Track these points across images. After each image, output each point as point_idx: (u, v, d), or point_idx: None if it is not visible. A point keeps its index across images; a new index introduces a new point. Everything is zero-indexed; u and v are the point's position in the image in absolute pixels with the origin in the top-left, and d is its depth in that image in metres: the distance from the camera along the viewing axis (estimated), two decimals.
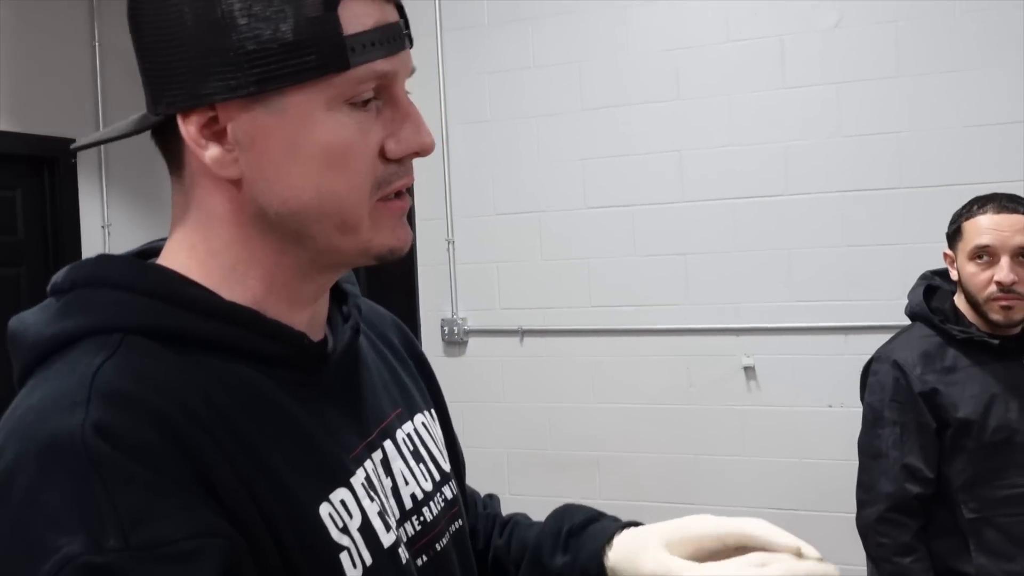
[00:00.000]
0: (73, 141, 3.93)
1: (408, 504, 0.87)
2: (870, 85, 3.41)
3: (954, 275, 2.19)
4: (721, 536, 0.92)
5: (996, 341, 2.10)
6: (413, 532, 0.86)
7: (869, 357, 2.30)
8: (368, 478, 0.81)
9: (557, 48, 3.83)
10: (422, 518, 0.88)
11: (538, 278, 3.89)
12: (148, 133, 0.80)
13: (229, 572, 0.64)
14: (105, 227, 4.12)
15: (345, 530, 0.75)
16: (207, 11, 0.71)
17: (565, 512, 1.08)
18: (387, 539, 0.79)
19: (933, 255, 2.50)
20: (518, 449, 3.92)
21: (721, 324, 3.63)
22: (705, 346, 3.66)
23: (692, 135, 3.64)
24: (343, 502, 0.76)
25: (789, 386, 3.55)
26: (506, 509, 1.18)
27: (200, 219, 0.78)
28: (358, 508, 0.77)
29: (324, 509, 0.74)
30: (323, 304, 0.86)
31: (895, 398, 2.13)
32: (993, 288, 2.06)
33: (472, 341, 4.01)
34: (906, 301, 2.30)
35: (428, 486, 0.91)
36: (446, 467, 0.97)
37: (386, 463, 0.86)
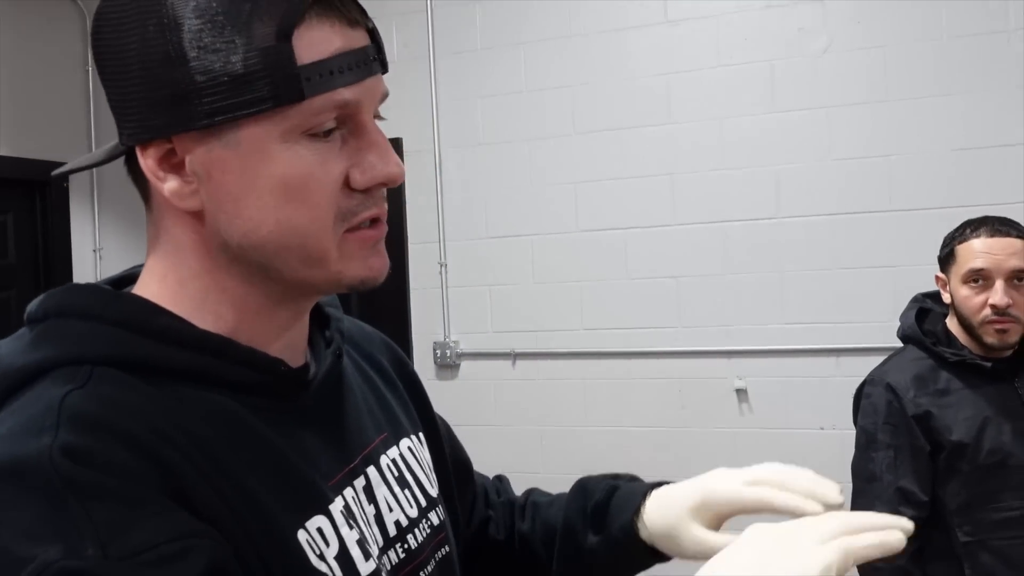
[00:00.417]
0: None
1: (392, 531, 0.86)
2: (860, 109, 3.43)
3: (946, 298, 2.20)
4: (743, 506, 0.93)
5: (989, 364, 2.10)
6: (397, 560, 0.85)
7: (861, 380, 2.30)
8: (347, 507, 0.80)
9: (550, 72, 3.85)
10: (406, 545, 0.87)
11: (530, 301, 3.90)
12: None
13: (216, 571, 0.63)
14: (96, 251, 4.11)
15: (322, 557, 0.73)
16: (158, 44, 0.69)
17: (585, 487, 1.08)
18: (365, 568, 0.77)
19: (924, 278, 2.51)
20: (510, 472, 3.84)
21: (713, 347, 3.64)
22: (697, 369, 3.66)
23: (684, 159, 3.66)
24: (320, 529, 0.74)
25: (781, 408, 3.55)
26: None
27: (169, 249, 0.77)
28: (335, 536, 0.76)
29: (302, 536, 0.73)
30: (301, 329, 0.84)
31: (889, 421, 2.13)
32: (988, 311, 2.07)
33: (464, 364, 4.01)
34: (897, 324, 2.31)
35: (413, 512, 0.89)
36: (433, 492, 0.95)
37: (369, 490, 0.85)
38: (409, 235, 3.99)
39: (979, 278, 2.09)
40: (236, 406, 0.74)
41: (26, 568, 0.58)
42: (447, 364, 4.00)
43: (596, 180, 3.78)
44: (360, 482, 0.84)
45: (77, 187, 4.04)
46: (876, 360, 2.34)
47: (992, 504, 2.04)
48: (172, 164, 0.73)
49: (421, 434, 1.00)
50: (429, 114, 3.97)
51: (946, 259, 2.19)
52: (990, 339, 2.09)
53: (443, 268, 4.01)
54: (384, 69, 0.77)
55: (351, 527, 0.78)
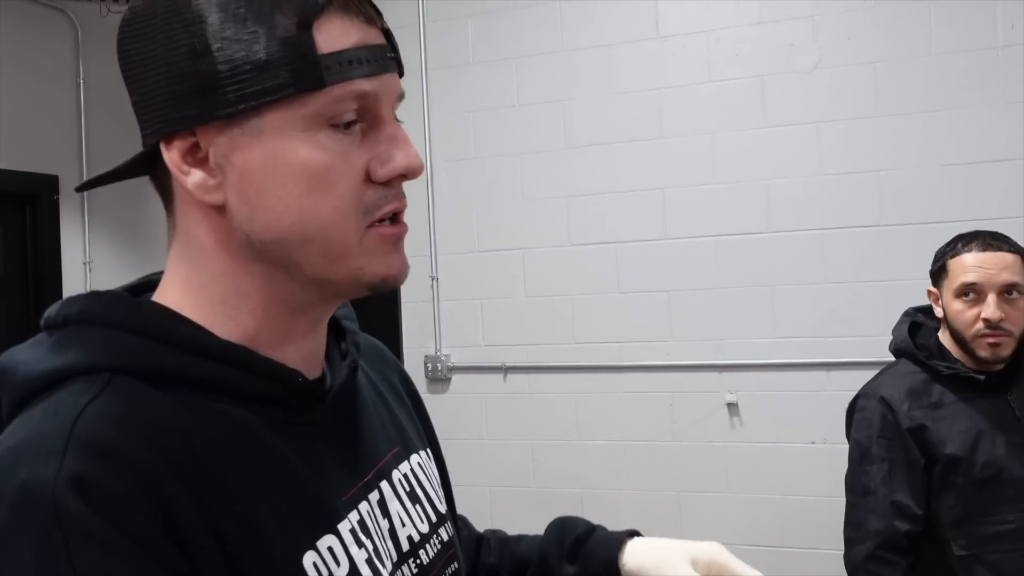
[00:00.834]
0: (56, 178, 3.94)
1: (405, 546, 0.86)
2: (850, 124, 3.45)
3: (939, 312, 2.21)
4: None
5: (982, 377, 2.11)
6: (410, 575, 0.85)
7: (852, 394, 2.30)
8: (362, 521, 0.80)
9: (541, 87, 3.86)
10: (419, 560, 0.87)
11: (522, 315, 3.89)
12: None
13: None
14: (87, 263, 4.09)
15: None
16: (183, 39, 0.71)
17: (563, 524, 1.08)
18: None
19: (915, 292, 2.52)
20: (501, 486, 3.90)
21: (704, 360, 3.64)
22: (688, 383, 3.67)
23: (675, 173, 3.67)
24: (330, 549, 0.74)
25: (772, 422, 3.55)
26: None
27: (191, 251, 0.77)
28: (346, 556, 0.75)
29: (309, 558, 0.72)
30: (320, 340, 0.84)
31: (883, 434, 2.13)
32: (980, 325, 2.08)
33: (456, 378, 4.00)
34: (888, 338, 2.32)
35: (424, 528, 0.90)
36: (442, 508, 0.95)
37: (383, 504, 0.85)
38: None
39: (971, 292, 2.10)
40: (253, 419, 0.74)
41: None
42: (438, 378, 4.00)
43: (588, 194, 3.79)
44: (375, 496, 0.84)
45: (67, 199, 4.02)
46: (867, 374, 2.34)
47: (987, 517, 2.04)
48: (196, 158, 0.74)
49: (428, 450, 1.01)
50: (421, 128, 3.97)
51: (938, 273, 2.20)
52: (983, 353, 2.09)
53: (434, 281, 4.01)
54: (400, 70, 0.79)
55: (360, 546, 0.77)
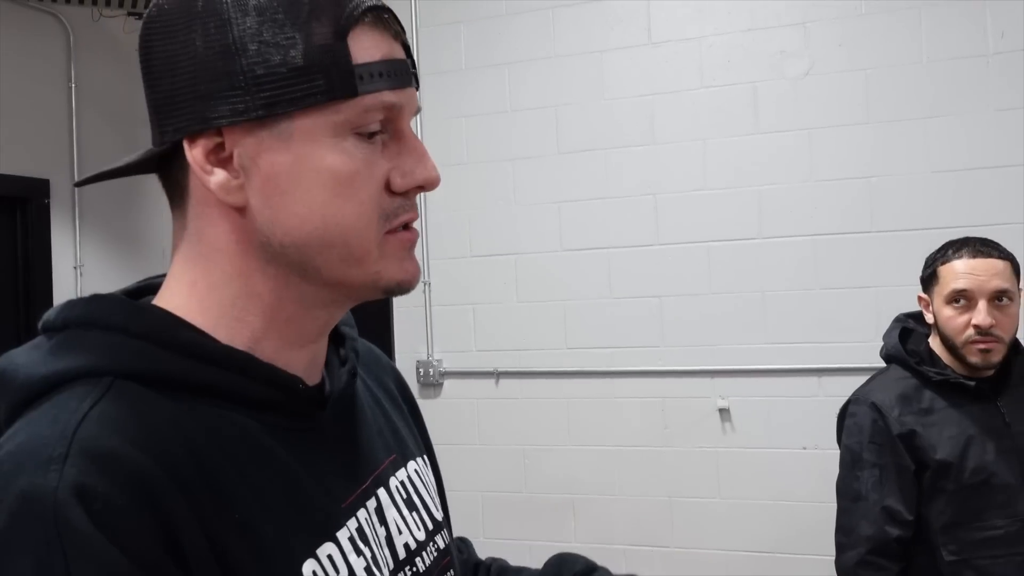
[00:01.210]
0: (47, 182, 3.93)
1: (401, 554, 0.86)
2: (841, 131, 3.47)
3: (929, 318, 2.21)
4: None
5: (972, 383, 2.11)
6: None
7: (843, 400, 2.30)
8: (360, 528, 0.80)
9: (534, 92, 3.87)
10: (415, 568, 0.87)
11: (514, 320, 3.90)
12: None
13: None
14: (77, 268, 4.08)
15: None
16: (218, 37, 0.71)
17: (563, 560, 1.08)
18: None
19: (905, 298, 2.53)
20: (493, 491, 3.90)
21: (696, 366, 3.65)
22: (680, 388, 3.67)
23: (667, 179, 3.68)
24: (330, 557, 0.74)
25: (764, 428, 3.56)
26: (481, 552, 1.17)
27: (202, 252, 0.77)
28: (344, 564, 0.75)
29: (308, 567, 0.72)
30: (322, 346, 0.84)
31: (874, 440, 2.13)
32: (971, 332, 2.09)
33: (448, 383, 4.00)
34: (880, 343, 2.32)
35: (421, 535, 0.90)
36: (439, 515, 0.95)
37: (380, 511, 0.85)
38: None
39: (962, 298, 2.11)
40: (254, 425, 0.74)
41: None
42: (430, 383, 3.99)
43: (579, 200, 3.80)
44: (372, 503, 0.84)
45: (58, 204, 4.01)
46: (858, 380, 2.35)
47: (976, 523, 2.04)
48: (219, 158, 0.74)
49: (425, 457, 1.01)
50: (414, 133, 3.96)
51: (928, 280, 2.21)
52: (973, 359, 2.10)
53: (426, 287, 4.01)
54: (417, 84, 0.81)
55: (359, 554, 0.78)
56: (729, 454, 3.60)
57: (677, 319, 3.67)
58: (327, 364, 0.87)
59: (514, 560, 1.12)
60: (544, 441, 3.84)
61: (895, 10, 3.40)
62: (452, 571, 0.94)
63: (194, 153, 0.73)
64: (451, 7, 4.00)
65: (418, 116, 4.29)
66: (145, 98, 0.77)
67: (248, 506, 0.70)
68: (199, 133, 0.73)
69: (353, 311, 0.91)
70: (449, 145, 3.97)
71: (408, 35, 0.81)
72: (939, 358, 2.19)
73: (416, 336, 4.04)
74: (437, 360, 4.00)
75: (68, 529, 0.61)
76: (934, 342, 2.22)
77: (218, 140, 0.73)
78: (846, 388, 2.37)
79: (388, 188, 0.77)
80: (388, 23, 0.77)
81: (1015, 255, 2.16)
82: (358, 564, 0.77)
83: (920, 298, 2.25)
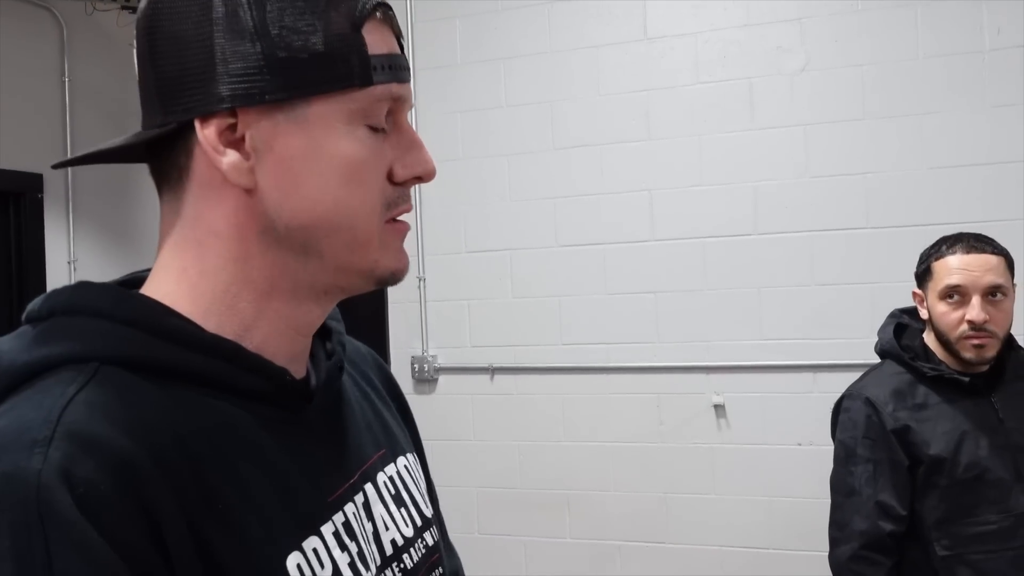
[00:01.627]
0: (40, 177, 3.91)
1: (388, 550, 0.85)
2: (837, 127, 3.46)
3: (924, 314, 2.21)
4: None
5: (966, 379, 2.12)
6: None
7: (838, 395, 2.31)
8: (347, 523, 0.79)
9: (529, 88, 3.86)
10: (402, 565, 0.86)
11: (509, 316, 3.89)
12: (124, 160, 0.79)
13: None
14: (71, 262, 4.07)
15: None
16: (237, 20, 0.72)
17: None
18: None
19: (900, 294, 2.53)
20: (487, 488, 3.90)
21: (691, 362, 3.65)
22: (675, 384, 3.67)
23: (662, 175, 3.67)
24: (315, 551, 0.74)
25: (759, 424, 3.56)
26: (476, 548, 1.16)
27: (197, 237, 0.77)
28: (329, 558, 0.75)
29: (293, 560, 0.72)
30: (309, 340, 0.84)
31: (868, 435, 2.14)
32: (965, 327, 2.09)
33: (442, 379, 3.99)
34: (874, 339, 2.32)
35: (409, 532, 0.89)
36: (428, 512, 0.95)
37: (367, 506, 0.84)
38: None
39: (956, 294, 2.11)
40: (241, 415, 0.74)
41: None
42: (425, 379, 3.99)
43: (575, 195, 3.79)
44: (360, 498, 0.84)
45: (52, 198, 4.00)
46: (853, 376, 2.35)
47: (970, 518, 2.05)
48: (230, 140, 0.74)
49: (415, 454, 1.00)
50: None
51: (923, 275, 2.21)
52: (968, 354, 2.10)
53: (421, 282, 4.00)
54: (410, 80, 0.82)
55: (343, 549, 0.77)
56: (724, 450, 3.60)
57: (672, 315, 3.67)
58: (313, 357, 0.87)
59: (509, 556, 1.11)
60: (539, 437, 3.84)
61: (891, 6, 3.40)
62: (441, 568, 0.94)
63: (206, 132, 0.73)
64: (446, 2, 3.99)
65: (412, 111, 4.29)
66: (141, 81, 0.77)
67: (233, 495, 0.70)
68: (212, 114, 0.73)
69: (347, 306, 0.91)
70: (444, 140, 3.96)
71: (403, 30, 0.82)
72: (933, 354, 2.19)
73: (411, 332, 4.03)
74: (432, 356, 3.99)
75: (50, 512, 0.60)
76: (928, 338, 2.22)
77: (231, 121, 0.73)
78: (841, 384, 2.37)
79: (389, 178, 0.79)
80: (392, 20, 0.79)
81: (1010, 251, 2.16)
82: (342, 559, 0.76)
83: (915, 294, 2.25)
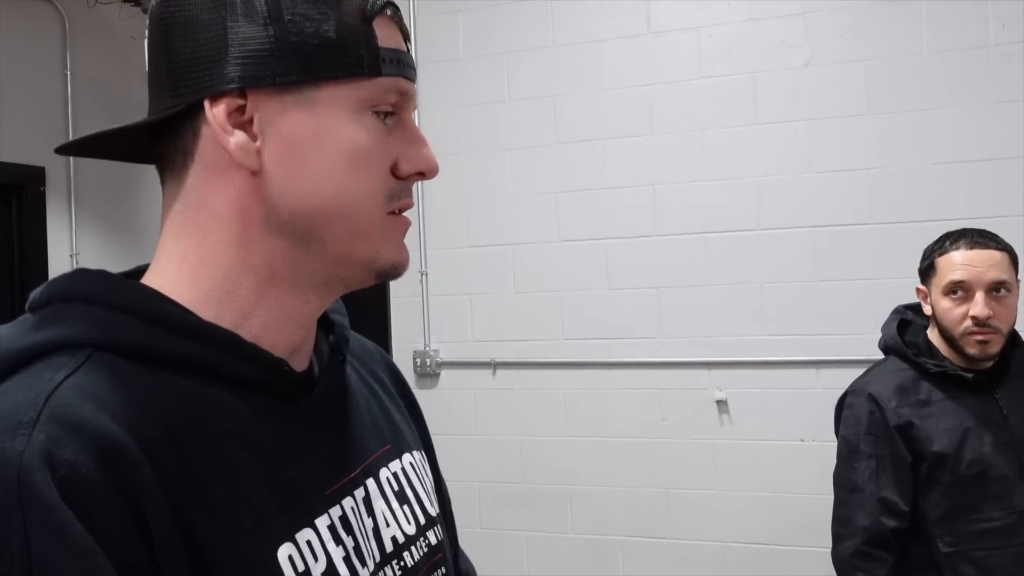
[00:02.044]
0: (43, 170, 3.91)
1: (389, 547, 0.84)
2: (840, 122, 3.46)
3: (927, 310, 2.21)
4: None
5: (970, 375, 2.11)
6: None
7: (841, 392, 2.30)
8: (344, 517, 0.78)
9: (532, 82, 3.85)
10: (403, 563, 0.85)
11: (511, 311, 3.89)
12: (124, 158, 0.81)
13: None
14: (73, 256, 4.06)
15: (307, 574, 0.72)
16: (252, 5, 0.73)
17: None
18: None
19: (904, 290, 2.52)
20: (490, 482, 3.90)
21: (694, 358, 3.64)
22: (678, 379, 3.67)
23: (665, 169, 3.67)
24: (309, 543, 0.73)
25: (761, 420, 3.55)
26: (478, 542, 1.15)
27: (199, 222, 0.76)
28: (323, 551, 0.74)
29: (284, 551, 0.71)
30: (311, 333, 0.83)
31: (871, 431, 2.13)
32: (969, 323, 2.08)
33: (445, 373, 3.99)
34: (878, 335, 2.32)
35: (411, 530, 0.88)
36: (432, 511, 0.94)
37: (368, 502, 0.83)
38: None
39: (959, 290, 2.10)
40: (238, 404, 0.74)
41: None
42: (427, 373, 3.99)
43: (577, 190, 3.79)
44: (360, 493, 0.83)
45: (54, 192, 4.00)
46: (856, 372, 2.34)
47: (972, 515, 2.04)
48: (238, 121, 0.74)
49: (423, 452, 1.00)
50: None
51: (926, 271, 2.21)
52: (971, 350, 2.10)
53: (424, 277, 4.00)
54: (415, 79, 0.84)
55: (338, 543, 0.76)
56: (726, 446, 3.60)
57: (675, 310, 3.67)
58: (316, 351, 0.86)
59: (511, 551, 1.11)
60: (541, 432, 3.84)
61: (895, 1, 3.39)
62: (443, 568, 0.93)
63: (216, 112, 0.73)
64: None
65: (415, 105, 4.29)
66: (151, 69, 0.77)
67: (223, 484, 0.69)
68: (222, 94, 0.73)
69: (349, 300, 0.90)
70: (447, 134, 3.95)
71: (407, 24, 0.82)
72: (937, 350, 2.19)
73: (413, 326, 4.03)
74: (434, 350, 3.99)
75: (30, 495, 0.60)
76: (932, 334, 2.22)
77: (240, 102, 0.74)
78: (844, 380, 2.37)
79: (393, 172, 0.79)
80: (401, 22, 0.81)
81: (1013, 247, 2.15)
82: (337, 553, 0.76)
83: (918, 290, 2.25)
